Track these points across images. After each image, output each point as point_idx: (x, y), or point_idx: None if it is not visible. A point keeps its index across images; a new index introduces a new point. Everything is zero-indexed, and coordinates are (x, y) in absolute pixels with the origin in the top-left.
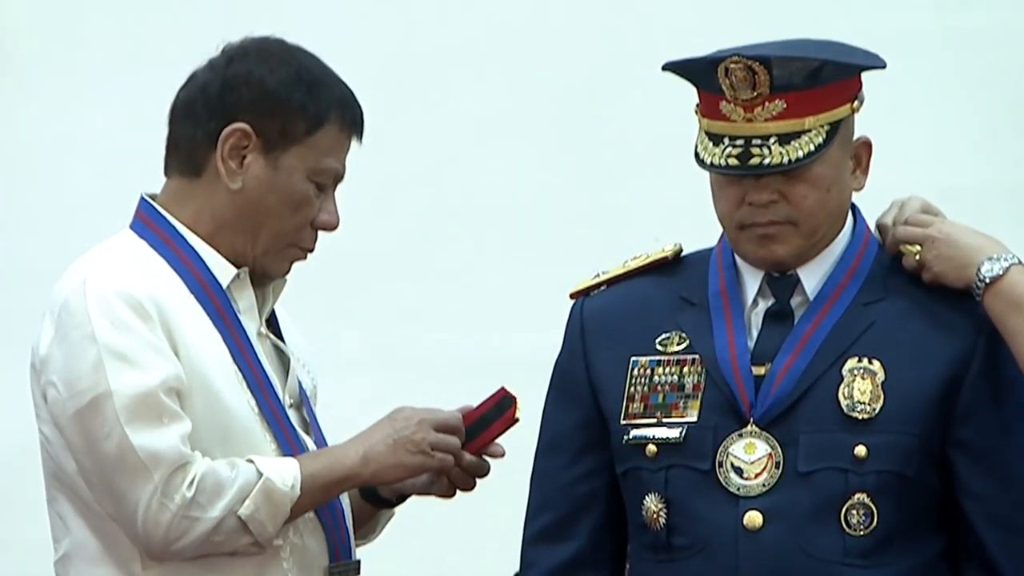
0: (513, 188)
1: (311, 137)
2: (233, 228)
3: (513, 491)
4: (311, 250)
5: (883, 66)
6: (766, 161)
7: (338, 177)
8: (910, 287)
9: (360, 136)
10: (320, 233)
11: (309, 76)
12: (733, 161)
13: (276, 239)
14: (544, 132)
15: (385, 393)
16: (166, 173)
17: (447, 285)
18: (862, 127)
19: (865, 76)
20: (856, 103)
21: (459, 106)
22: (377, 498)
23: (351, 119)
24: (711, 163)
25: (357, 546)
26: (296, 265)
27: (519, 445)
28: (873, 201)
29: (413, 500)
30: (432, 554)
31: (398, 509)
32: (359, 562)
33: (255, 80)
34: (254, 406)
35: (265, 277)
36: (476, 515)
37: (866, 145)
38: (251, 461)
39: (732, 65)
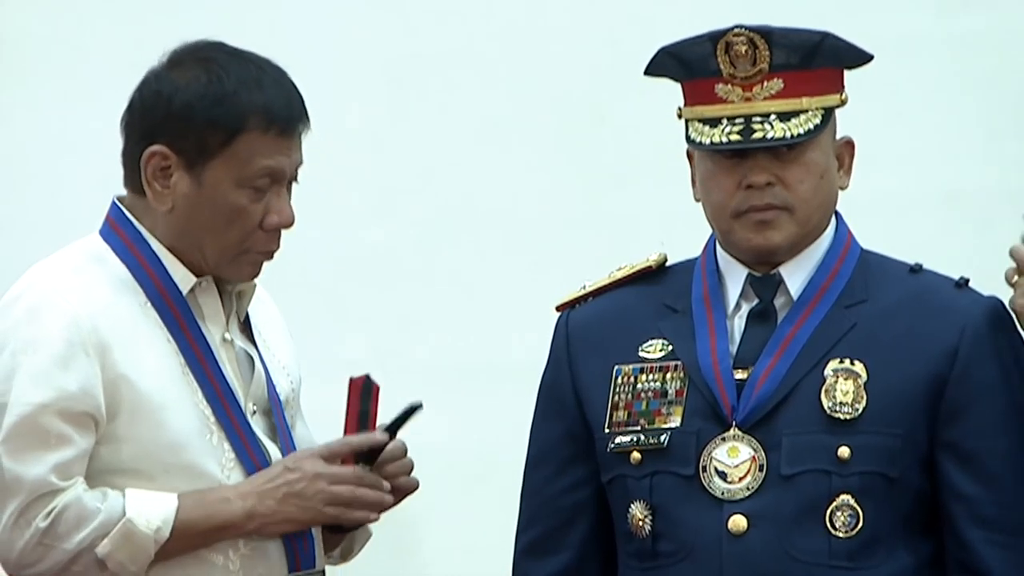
0: (514, 193)
1: (229, 148)
2: (182, 243)
3: (502, 495)
4: (270, 252)
5: (871, 58)
6: (769, 135)
7: (279, 175)
8: (892, 290)
9: (296, 130)
10: (313, 236)
11: (219, 88)
12: (736, 137)
13: (221, 252)
14: (545, 137)
15: (386, 396)
16: (124, 185)
17: (448, 289)
18: (865, 129)
19: (868, 80)
20: (843, 96)
21: (460, 111)
22: (335, 527)
23: (277, 120)
24: (711, 143)
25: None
26: (297, 270)
27: (513, 448)
28: (876, 204)
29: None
30: (416, 555)
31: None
32: (323, 571)
33: (164, 100)
34: (210, 415)
35: (234, 283)
36: (465, 517)
37: (849, 145)
38: (124, 495)
39: (734, 38)
